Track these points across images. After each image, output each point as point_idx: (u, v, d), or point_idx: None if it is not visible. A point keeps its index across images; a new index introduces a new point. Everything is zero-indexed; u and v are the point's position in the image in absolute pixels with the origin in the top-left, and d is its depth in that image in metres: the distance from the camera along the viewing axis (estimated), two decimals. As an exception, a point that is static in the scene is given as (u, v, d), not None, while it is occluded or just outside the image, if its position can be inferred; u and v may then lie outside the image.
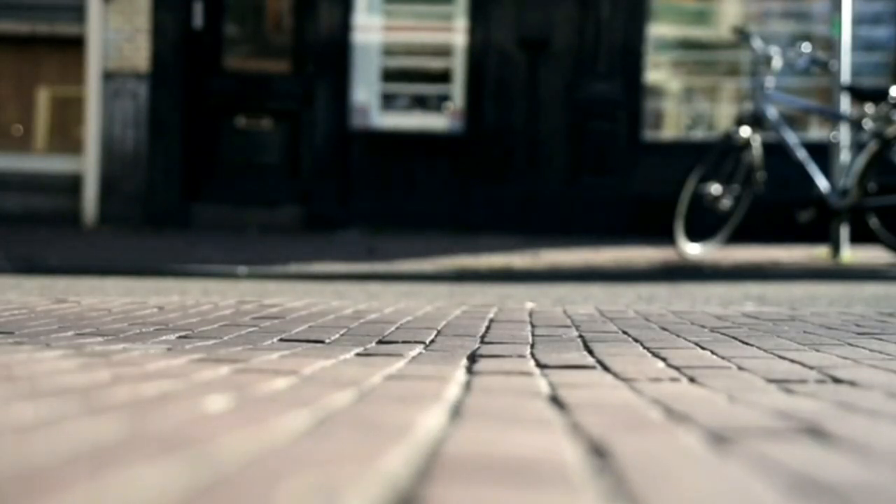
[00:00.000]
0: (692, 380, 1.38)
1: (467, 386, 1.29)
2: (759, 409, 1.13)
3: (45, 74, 10.56)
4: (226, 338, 1.92)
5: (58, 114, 10.61)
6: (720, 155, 7.68)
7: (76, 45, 10.23)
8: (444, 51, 11.12)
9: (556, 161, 10.98)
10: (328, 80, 10.79)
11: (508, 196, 10.90)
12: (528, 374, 1.44)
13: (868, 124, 7.36)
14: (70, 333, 1.97)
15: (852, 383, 1.36)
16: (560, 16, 10.87)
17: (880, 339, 2.06)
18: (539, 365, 1.55)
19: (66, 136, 10.49)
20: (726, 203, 7.64)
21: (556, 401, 1.16)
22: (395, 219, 10.54)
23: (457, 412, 1.06)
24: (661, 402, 1.15)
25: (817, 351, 1.81)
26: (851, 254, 7.61)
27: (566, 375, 1.42)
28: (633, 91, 10.96)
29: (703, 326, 2.36)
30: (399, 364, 1.53)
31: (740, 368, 1.53)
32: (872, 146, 7.30)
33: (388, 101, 11.15)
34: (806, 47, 7.87)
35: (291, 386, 1.25)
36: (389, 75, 11.09)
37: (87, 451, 0.80)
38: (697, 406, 1.14)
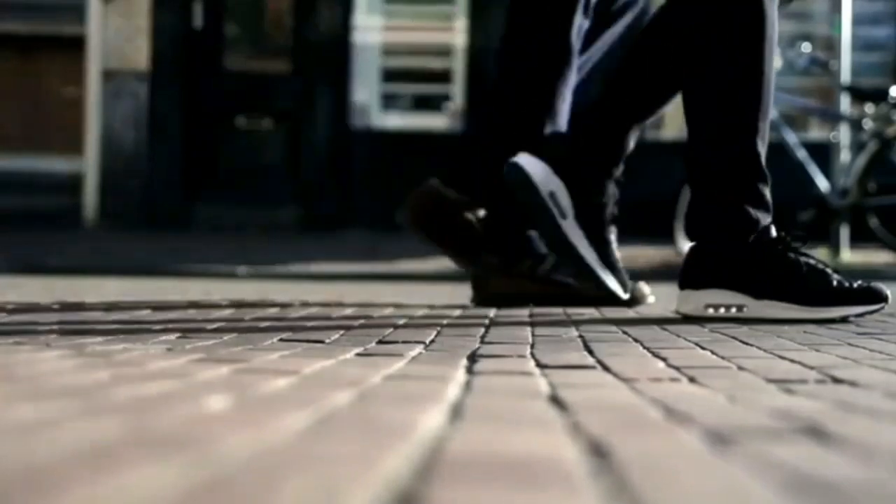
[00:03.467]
0: (692, 380, 1.38)
1: (467, 386, 1.29)
2: (759, 408, 1.13)
3: (46, 74, 10.56)
4: (226, 338, 1.92)
5: (58, 114, 10.61)
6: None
7: (76, 45, 10.23)
8: (444, 51, 11.11)
9: (557, 161, 10.98)
10: (328, 80, 10.78)
11: (508, 196, 10.89)
12: (529, 374, 1.44)
13: (868, 124, 7.36)
14: (70, 333, 1.97)
15: (852, 383, 1.36)
16: (560, 16, 10.85)
17: (880, 339, 2.06)
18: (539, 365, 1.55)
19: (66, 136, 10.48)
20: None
21: (556, 401, 1.16)
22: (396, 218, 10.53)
23: (457, 412, 1.06)
24: (661, 402, 1.15)
25: (817, 351, 1.81)
26: (851, 254, 7.60)
27: (566, 375, 1.42)
28: (634, 91, 10.94)
29: (703, 326, 2.36)
30: (399, 364, 1.53)
31: (740, 368, 1.53)
32: (872, 146, 7.31)
33: (389, 102, 11.14)
34: (806, 47, 7.87)
35: (292, 386, 1.25)
36: (390, 75, 11.08)
37: (87, 451, 0.80)
38: (697, 406, 1.14)
